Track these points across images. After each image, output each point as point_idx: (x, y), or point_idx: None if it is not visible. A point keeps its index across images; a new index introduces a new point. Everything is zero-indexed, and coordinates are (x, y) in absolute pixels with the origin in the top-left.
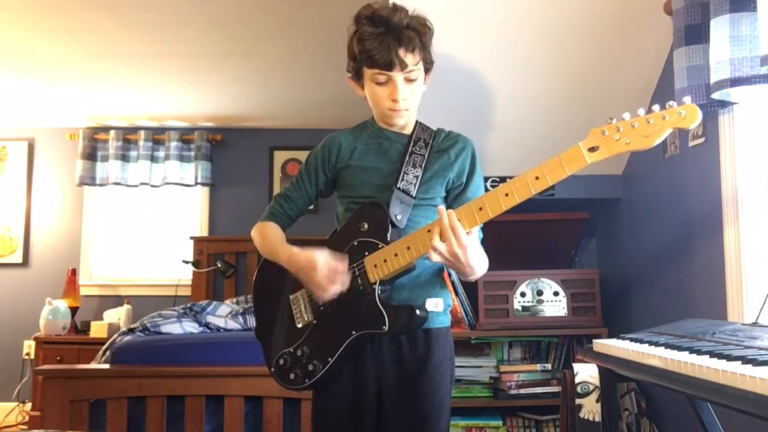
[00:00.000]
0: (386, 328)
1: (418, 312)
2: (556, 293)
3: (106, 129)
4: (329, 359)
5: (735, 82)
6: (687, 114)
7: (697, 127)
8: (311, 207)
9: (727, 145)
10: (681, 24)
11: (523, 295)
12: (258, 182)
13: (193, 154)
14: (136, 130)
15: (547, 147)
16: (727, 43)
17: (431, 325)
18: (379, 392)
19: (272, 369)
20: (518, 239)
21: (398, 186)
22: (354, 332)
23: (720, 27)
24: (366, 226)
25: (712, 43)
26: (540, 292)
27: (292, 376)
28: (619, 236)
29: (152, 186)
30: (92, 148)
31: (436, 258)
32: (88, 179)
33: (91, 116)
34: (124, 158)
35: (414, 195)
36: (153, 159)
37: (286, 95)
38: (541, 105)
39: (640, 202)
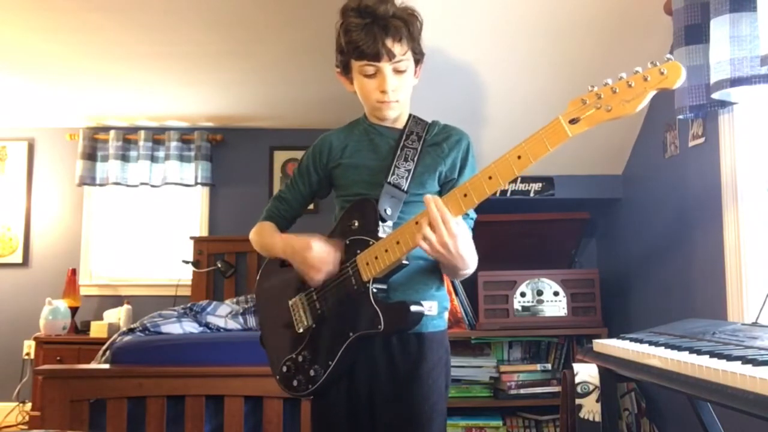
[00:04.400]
0: (381, 327)
1: (412, 308)
2: (556, 293)
3: (106, 129)
4: (330, 363)
5: (735, 82)
6: (669, 72)
7: (697, 127)
8: (311, 207)
9: (727, 145)
10: (681, 24)
11: (523, 295)
12: (258, 182)
13: (193, 154)
14: (136, 130)
15: None
16: (727, 43)
17: (424, 329)
18: (372, 396)
19: (277, 377)
20: (518, 239)
21: (388, 180)
22: (351, 333)
23: (720, 27)
24: (356, 223)
25: (712, 43)
26: (540, 292)
27: (295, 382)
28: (619, 236)
29: (152, 186)
30: (92, 148)
31: (424, 245)
32: (88, 179)
33: (91, 116)
34: (124, 158)
35: (406, 189)
36: (153, 159)
37: (286, 95)
38: (540, 105)
39: (640, 202)
